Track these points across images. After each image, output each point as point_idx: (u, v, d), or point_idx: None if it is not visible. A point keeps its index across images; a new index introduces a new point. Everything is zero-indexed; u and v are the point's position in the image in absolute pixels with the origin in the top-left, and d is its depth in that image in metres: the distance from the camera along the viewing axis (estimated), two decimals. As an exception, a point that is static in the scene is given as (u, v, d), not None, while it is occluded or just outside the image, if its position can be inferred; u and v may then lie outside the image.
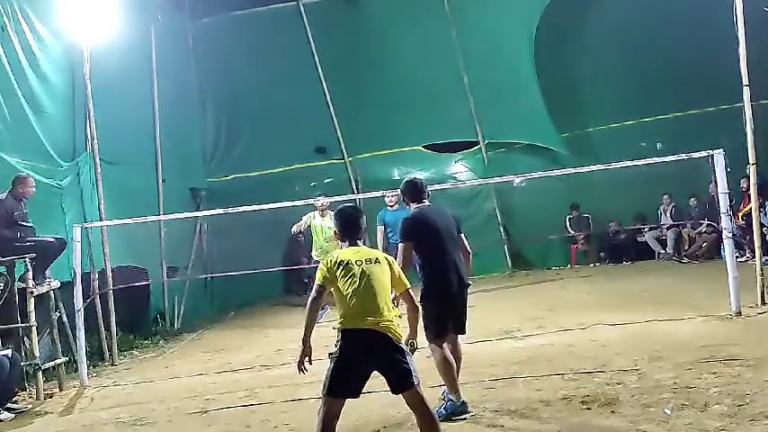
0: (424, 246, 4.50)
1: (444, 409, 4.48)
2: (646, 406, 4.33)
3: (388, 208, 9.61)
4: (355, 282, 3.66)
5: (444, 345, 4.44)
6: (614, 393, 4.66)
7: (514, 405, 4.66)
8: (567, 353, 6.00)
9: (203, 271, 11.80)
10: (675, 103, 12.42)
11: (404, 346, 3.69)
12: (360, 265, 3.71)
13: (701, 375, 4.84)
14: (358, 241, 3.93)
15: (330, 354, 3.64)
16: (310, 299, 3.72)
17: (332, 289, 3.73)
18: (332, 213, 9.32)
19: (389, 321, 3.67)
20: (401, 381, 3.60)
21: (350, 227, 3.94)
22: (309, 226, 9.46)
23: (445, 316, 4.45)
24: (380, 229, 9.72)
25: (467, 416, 4.48)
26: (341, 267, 3.70)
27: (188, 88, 12.67)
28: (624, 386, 4.81)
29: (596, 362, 5.53)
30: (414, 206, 4.74)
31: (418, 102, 13.00)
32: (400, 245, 4.53)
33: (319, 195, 9.68)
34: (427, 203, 4.77)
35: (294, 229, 9.55)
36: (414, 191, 4.74)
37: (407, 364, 3.61)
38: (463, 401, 4.51)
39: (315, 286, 3.76)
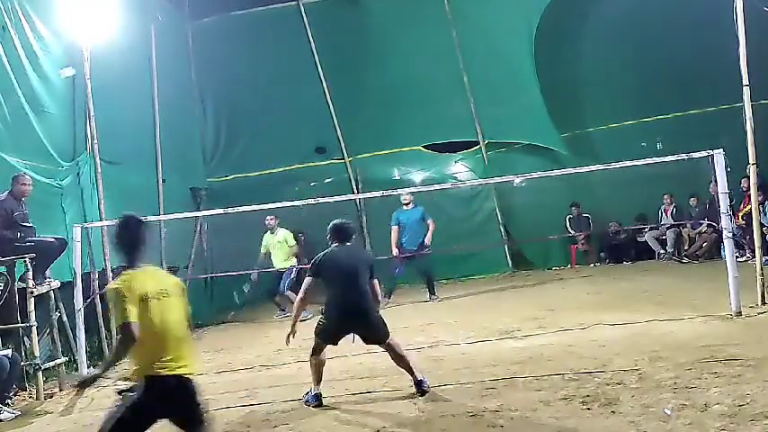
0: (326, 280, 5.37)
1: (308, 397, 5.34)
2: (646, 406, 4.33)
3: (404, 207, 9.93)
4: None
5: (324, 351, 5.42)
6: (614, 393, 4.66)
7: (514, 405, 4.66)
8: (566, 353, 6.00)
9: (203, 271, 11.79)
10: (675, 103, 12.41)
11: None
12: None
13: (701, 375, 4.84)
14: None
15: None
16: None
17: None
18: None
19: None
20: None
21: None
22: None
23: (332, 332, 5.35)
24: (395, 228, 9.99)
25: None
26: None
27: (188, 88, 12.67)
28: (624, 386, 4.81)
29: (596, 362, 5.53)
30: (333, 246, 5.48)
31: (418, 102, 12.99)
32: (306, 278, 5.44)
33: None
34: (344, 245, 5.48)
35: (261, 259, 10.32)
36: (335, 233, 5.51)
37: None
38: (316, 394, 5.29)
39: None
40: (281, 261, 10.23)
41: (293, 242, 10.40)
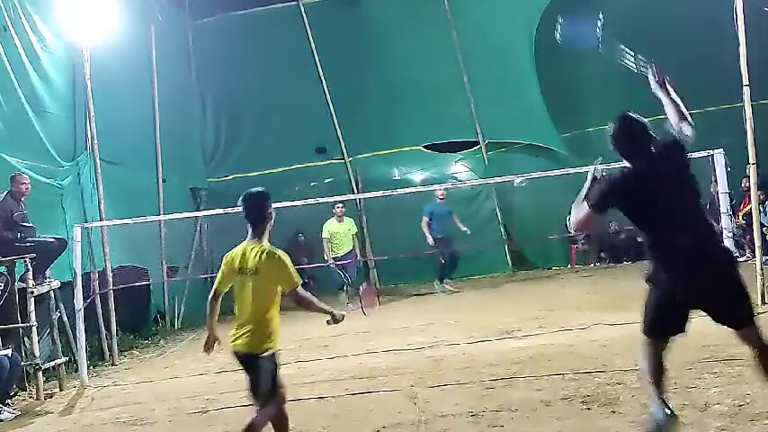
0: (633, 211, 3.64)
1: None
2: (646, 406, 4.33)
3: (438, 200, 10.71)
4: None
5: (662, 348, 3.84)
6: (614, 393, 4.66)
7: (514, 405, 4.66)
8: (566, 353, 6.00)
9: (203, 271, 11.78)
10: (675, 104, 12.41)
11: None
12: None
13: (701, 375, 4.84)
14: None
15: None
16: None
17: None
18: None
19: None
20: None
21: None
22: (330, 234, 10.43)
23: (666, 310, 3.68)
24: (426, 219, 10.65)
25: None
26: None
27: (188, 88, 12.68)
28: (624, 386, 4.81)
29: (596, 362, 5.52)
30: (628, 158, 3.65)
31: (418, 102, 13.00)
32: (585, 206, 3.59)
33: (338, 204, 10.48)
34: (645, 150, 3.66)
35: (327, 255, 10.45)
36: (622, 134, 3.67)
37: None
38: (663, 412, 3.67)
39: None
40: (346, 249, 10.51)
41: (356, 230, 10.80)
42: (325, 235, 10.44)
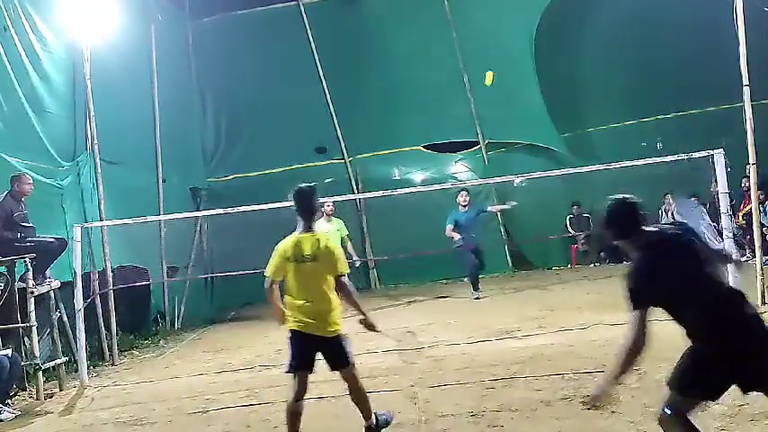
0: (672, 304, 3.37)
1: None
2: (646, 406, 4.33)
3: (461, 208, 9.99)
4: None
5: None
6: (614, 393, 4.65)
7: (514, 405, 4.66)
8: (566, 353, 6.00)
9: (203, 271, 11.80)
10: (675, 103, 12.43)
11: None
12: None
13: (701, 375, 4.83)
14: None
15: None
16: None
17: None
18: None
19: None
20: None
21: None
22: None
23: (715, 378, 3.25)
24: (450, 227, 9.90)
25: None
26: None
27: (188, 88, 12.67)
28: (624, 386, 4.79)
29: (596, 362, 5.52)
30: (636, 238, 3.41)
31: (418, 102, 13.00)
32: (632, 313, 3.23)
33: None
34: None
35: None
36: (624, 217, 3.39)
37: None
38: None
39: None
40: None
41: (347, 232, 9.90)
42: None
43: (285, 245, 4.31)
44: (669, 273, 2.96)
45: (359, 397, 4.33)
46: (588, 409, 3.26)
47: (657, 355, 5.47)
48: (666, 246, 3.06)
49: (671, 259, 3.01)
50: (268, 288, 4.36)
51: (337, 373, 4.27)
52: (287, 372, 4.26)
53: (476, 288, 9.95)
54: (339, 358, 4.21)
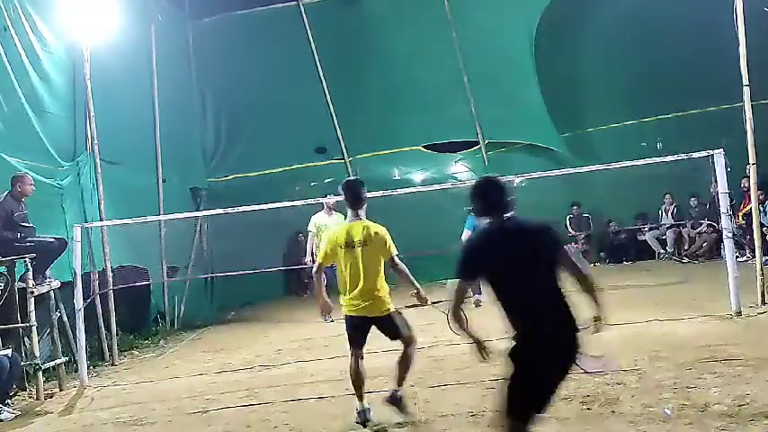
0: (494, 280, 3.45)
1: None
2: (646, 406, 4.34)
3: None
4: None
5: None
6: (614, 393, 4.66)
7: (514, 405, 4.65)
8: (567, 353, 5.99)
9: (203, 271, 11.79)
10: (675, 103, 12.42)
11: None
12: None
13: (701, 375, 4.84)
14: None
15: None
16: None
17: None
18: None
19: None
20: None
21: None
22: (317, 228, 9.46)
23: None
24: (467, 232, 9.42)
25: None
26: None
27: (188, 88, 12.66)
28: (624, 386, 4.81)
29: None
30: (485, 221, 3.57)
31: (418, 102, 12.99)
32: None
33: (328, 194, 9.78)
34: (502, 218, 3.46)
35: (308, 256, 9.59)
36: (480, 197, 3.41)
37: None
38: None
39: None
40: None
41: None
42: (310, 228, 9.56)
43: (337, 232, 4.78)
44: (498, 251, 3.08)
45: (404, 363, 4.68)
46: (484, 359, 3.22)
47: (657, 355, 5.51)
48: (510, 230, 3.15)
49: (506, 242, 3.11)
50: (316, 272, 4.95)
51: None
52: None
53: (479, 292, 9.19)
54: (395, 331, 4.69)
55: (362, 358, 4.74)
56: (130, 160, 10.14)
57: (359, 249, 4.59)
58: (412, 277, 4.77)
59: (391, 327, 4.69)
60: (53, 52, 8.59)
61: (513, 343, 3.07)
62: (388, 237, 4.72)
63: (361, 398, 4.70)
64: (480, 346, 3.21)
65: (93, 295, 7.98)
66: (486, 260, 3.12)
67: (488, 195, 3.27)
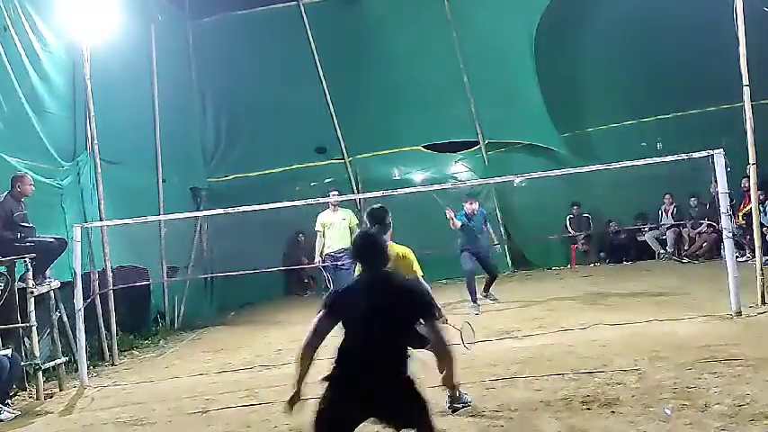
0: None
1: None
2: (646, 406, 4.33)
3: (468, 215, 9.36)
4: None
5: None
6: (614, 393, 4.66)
7: (514, 405, 4.66)
8: (566, 353, 6.00)
9: (203, 271, 11.79)
10: (675, 103, 12.43)
11: None
12: None
13: (701, 375, 4.84)
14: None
15: None
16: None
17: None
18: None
19: None
20: None
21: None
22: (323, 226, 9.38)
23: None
24: (459, 224, 9.35)
25: None
26: None
27: (188, 88, 12.66)
28: (624, 386, 4.81)
29: (596, 362, 5.53)
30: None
31: (418, 102, 12.99)
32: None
33: (333, 190, 9.80)
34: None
35: (317, 256, 9.43)
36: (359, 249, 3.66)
37: None
38: None
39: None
40: (341, 245, 9.11)
41: (356, 221, 9.27)
42: (317, 228, 9.35)
43: None
44: (357, 302, 3.28)
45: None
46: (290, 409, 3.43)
47: (657, 355, 5.51)
48: (376, 285, 3.36)
49: (367, 295, 3.31)
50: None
51: None
52: None
53: (474, 299, 9.12)
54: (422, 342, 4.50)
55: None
56: (130, 160, 10.14)
57: None
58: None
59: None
60: (53, 52, 8.59)
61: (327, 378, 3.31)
62: (413, 259, 4.96)
63: None
64: (295, 396, 3.44)
65: (93, 295, 7.98)
66: (345, 307, 3.32)
67: (362, 252, 3.49)
